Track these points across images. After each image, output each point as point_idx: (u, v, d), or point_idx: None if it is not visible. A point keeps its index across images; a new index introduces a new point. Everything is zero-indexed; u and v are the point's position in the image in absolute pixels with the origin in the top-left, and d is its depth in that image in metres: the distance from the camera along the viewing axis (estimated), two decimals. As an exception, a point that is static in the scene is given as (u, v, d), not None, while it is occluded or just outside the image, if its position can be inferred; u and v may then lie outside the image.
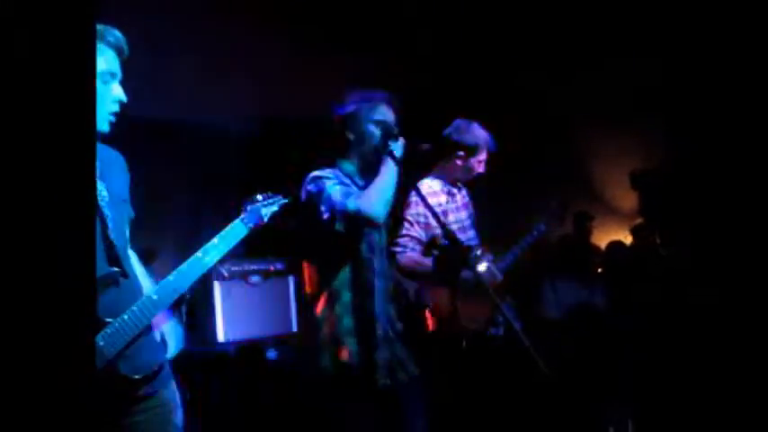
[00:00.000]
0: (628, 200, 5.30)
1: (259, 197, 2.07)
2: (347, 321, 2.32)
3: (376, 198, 2.27)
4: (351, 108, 2.42)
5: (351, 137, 2.41)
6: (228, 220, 2.00)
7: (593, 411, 3.73)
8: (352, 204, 2.26)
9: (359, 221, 2.27)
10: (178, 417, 1.81)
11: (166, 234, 4.31)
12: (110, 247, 1.74)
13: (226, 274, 4.05)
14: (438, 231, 3.02)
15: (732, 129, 4.07)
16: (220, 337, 4.01)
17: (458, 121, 3.28)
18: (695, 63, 4.30)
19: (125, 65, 1.78)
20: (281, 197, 2.13)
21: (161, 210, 4.25)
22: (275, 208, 2.09)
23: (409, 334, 2.53)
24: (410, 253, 3.10)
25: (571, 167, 5.28)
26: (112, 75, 1.74)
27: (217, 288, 4.04)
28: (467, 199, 3.41)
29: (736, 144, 4.01)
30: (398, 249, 3.10)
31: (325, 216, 2.28)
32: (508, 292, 3.32)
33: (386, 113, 2.41)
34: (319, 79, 3.84)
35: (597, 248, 5.08)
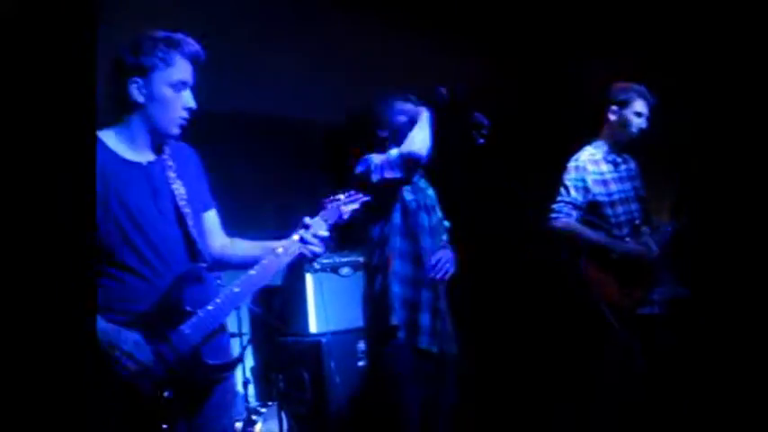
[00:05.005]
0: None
1: (341, 196, 2.10)
2: (396, 288, 2.60)
3: (414, 139, 2.59)
4: (376, 112, 2.84)
5: (385, 134, 2.79)
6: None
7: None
8: (395, 153, 2.60)
9: (407, 164, 2.57)
10: (239, 400, 1.91)
11: (259, 225, 4.38)
12: (191, 243, 1.82)
13: (317, 267, 4.12)
14: (599, 198, 3.18)
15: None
16: (312, 328, 4.08)
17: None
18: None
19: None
20: (362, 195, 2.15)
21: (254, 204, 4.32)
22: (356, 206, 2.12)
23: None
24: (564, 218, 3.20)
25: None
26: (184, 83, 1.83)
27: (309, 280, 4.12)
28: (634, 171, 3.36)
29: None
30: (553, 215, 3.22)
31: (377, 178, 2.57)
32: (666, 265, 3.25)
33: (403, 105, 2.79)
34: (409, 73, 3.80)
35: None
